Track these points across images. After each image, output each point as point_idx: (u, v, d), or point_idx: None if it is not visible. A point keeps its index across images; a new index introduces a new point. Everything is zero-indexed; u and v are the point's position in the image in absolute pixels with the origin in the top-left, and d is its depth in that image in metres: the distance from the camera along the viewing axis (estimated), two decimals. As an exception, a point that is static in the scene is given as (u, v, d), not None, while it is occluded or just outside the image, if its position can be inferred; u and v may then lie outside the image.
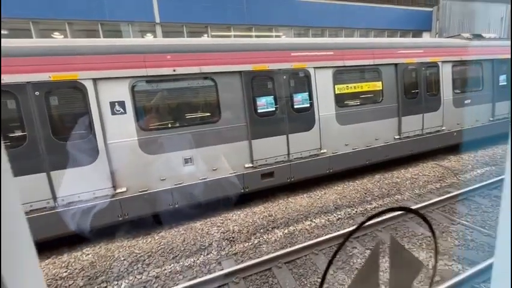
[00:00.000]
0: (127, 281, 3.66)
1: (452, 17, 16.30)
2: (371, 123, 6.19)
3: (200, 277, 3.48)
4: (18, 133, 3.80)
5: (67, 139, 4.02)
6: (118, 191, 4.32)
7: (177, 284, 3.42)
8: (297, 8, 12.89)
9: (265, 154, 5.23)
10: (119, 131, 4.27)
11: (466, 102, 7.28)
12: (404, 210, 0.57)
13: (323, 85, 5.59)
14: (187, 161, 4.69)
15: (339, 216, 4.91)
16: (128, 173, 4.38)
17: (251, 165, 5.17)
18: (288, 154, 5.42)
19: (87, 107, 4.06)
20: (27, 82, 3.78)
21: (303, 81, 5.48)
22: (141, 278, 3.69)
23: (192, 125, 4.73)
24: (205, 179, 4.83)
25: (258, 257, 3.79)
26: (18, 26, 9.41)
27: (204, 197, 4.82)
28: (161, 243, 4.40)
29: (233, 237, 4.43)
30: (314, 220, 4.82)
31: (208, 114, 4.94)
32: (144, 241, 4.52)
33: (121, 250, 4.28)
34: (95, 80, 4.08)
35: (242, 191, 5.16)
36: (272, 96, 5.20)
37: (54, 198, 3.98)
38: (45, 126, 3.88)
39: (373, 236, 4.17)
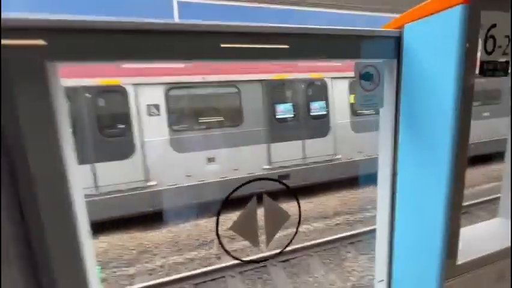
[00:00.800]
0: (135, 268, 4.01)
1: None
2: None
3: (200, 269, 3.76)
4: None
5: (110, 135, 4.63)
6: (149, 184, 4.81)
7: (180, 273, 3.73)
8: (310, 20, 13.12)
9: None
10: (154, 130, 4.83)
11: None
12: (270, 180, 0.83)
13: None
14: (210, 160, 5.12)
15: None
16: (159, 168, 4.88)
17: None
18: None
19: (128, 108, 4.66)
20: (81, 86, 4.37)
21: None
22: (147, 266, 4.03)
23: (219, 127, 5.23)
24: (225, 177, 5.18)
25: (255, 255, 4.03)
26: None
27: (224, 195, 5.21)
28: (168, 237, 4.75)
29: (234, 235, 4.69)
30: (313, 224, 5.01)
31: (232, 117, 5.43)
32: (153, 234, 4.89)
33: (131, 240, 4.66)
34: (135, 85, 4.65)
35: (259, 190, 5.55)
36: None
37: (96, 187, 4.52)
38: (93, 123, 4.52)
39: (368, 242, 4.31)
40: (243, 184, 0.76)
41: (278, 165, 5.53)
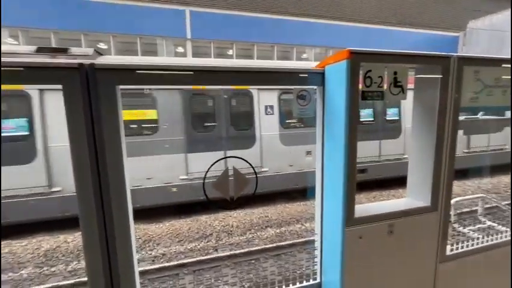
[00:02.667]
0: (139, 254, 4.45)
1: (479, 44, 16.21)
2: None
3: (198, 257, 4.19)
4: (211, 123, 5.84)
5: (240, 129, 5.89)
6: (262, 170, 6.02)
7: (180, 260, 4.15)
8: (316, 30, 13.67)
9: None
10: (269, 126, 6.07)
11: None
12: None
13: None
14: (308, 153, 6.25)
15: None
16: (270, 157, 6.06)
17: None
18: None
19: (252, 108, 5.89)
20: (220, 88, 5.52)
21: None
22: (151, 254, 4.47)
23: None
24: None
25: (249, 248, 4.44)
26: (71, 37, 11.05)
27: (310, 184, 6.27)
28: (170, 230, 5.19)
29: (231, 231, 5.12)
30: (305, 224, 5.39)
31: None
32: (156, 226, 5.34)
33: (137, 231, 5.11)
34: (258, 90, 5.75)
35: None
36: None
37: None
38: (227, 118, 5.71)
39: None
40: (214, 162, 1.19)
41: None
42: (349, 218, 1.17)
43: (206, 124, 5.84)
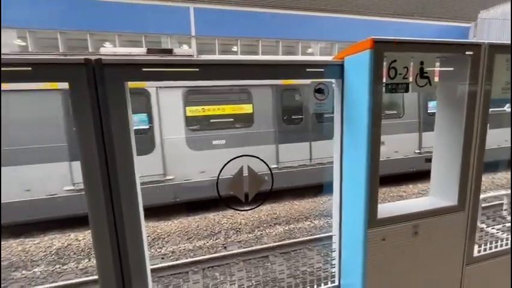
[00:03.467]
0: (149, 252, 4.47)
1: (491, 34, 15.71)
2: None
3: (207, 255, 4.17)
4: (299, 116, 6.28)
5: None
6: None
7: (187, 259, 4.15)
8: (322, 24, 13.44)
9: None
10: None
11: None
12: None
13: None
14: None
15: (338, 220, 5.36)
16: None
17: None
18: None
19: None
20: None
21: None
22: (160, 252, 4.48)
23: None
24: (389, 157, 6.51)
25: (258, 246, 4.40)
26: (78, 37, 11.11)
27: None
28: (179, 227, 5.19)
29: (239, 228, 5.09)
30: (314, 221, 5.32)
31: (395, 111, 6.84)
32: (165, 224, 5.35)
33: (146, 229, 5.13)
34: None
35: (411, 170, 6.92)
36: None
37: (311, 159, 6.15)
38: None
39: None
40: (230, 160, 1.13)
41: None
42: (372, 219, 1.10)
43: (294, 117, 6.32)
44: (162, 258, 4.31)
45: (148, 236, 4.87)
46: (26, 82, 0.92)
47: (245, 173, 1.12)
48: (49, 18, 10.22)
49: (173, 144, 5.38)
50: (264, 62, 1.07)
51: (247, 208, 1.16)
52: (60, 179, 4.88)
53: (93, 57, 0.93)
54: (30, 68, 0.87)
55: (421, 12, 14.53)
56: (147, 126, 5.25)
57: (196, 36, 12.40)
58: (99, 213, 0.97)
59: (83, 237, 4.87)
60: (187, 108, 5.44)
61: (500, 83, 1.19)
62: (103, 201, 0.96)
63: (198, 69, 0.99)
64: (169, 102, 5.30)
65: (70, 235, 4.97)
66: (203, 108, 5.61)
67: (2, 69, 0.84)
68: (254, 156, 1.15)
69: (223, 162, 1.13)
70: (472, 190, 1.24)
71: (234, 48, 13.29)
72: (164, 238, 4.84)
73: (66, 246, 4.63)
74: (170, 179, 5.40)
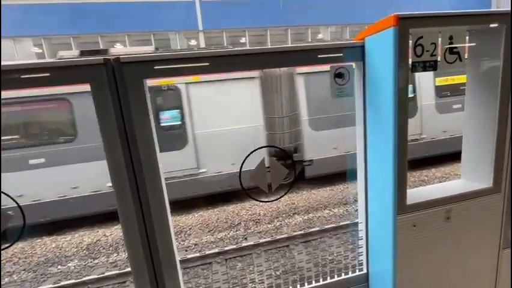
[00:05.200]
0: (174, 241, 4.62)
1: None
2: None
3: (228, 247, 4.26)
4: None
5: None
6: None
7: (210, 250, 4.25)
8: (331, 7, 12.94)
9: None
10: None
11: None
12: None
13: None
14: None
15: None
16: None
17: None
18: None
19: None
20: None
21: None
22: (184, 244, 4.62)
23: None
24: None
25: (279, 236, 4.43)
26: (91, 40, 11.37)
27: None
28: (200, 220, 5.32)
29: (258, 219, 5.14)
30: (333, 210, 5.28)
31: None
32: (186, 217, 5.50)
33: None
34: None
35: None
36: None
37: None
38: None
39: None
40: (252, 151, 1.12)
41: None
42: (401, 205, 1.06)
43: None
44: (186, 251, 4.44)
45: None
46: (47, 87, 0.94)
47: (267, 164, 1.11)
48: (61, 24, 10.49)
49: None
50: (279, 49, 1.04)
51: (272, 199, 1.16)
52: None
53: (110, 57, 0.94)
54: (48, 74, 0.88)
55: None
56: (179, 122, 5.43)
57: (203, 31, 12.34)
58: (128, 208, 1.00)
59: (111, 233, 5.10)
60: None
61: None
62: (130, 197, 0.99)
63: (208, 63, 0.97)
64: (196, 97, 5.39)
65: (98, 231, 5.23)
66: None
67: (21, 76, 0.87)
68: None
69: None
70: (508, 170, 1.17)
71: (243, 40, 13.13)
72: (186, 231, 4.98)
73: (95, 242, 4.87)
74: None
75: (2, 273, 4.19)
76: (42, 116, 4.99)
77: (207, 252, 4.10)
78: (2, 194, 0.92)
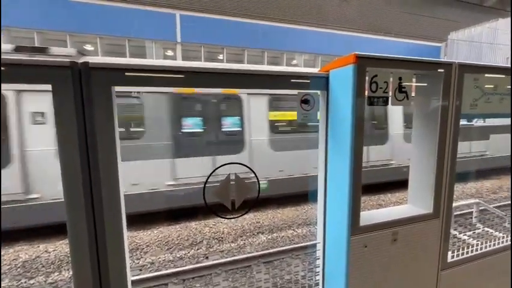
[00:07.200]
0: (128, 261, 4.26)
1: (460, 55, 16.94)
2: None
3: (188, 266, 4.04)
4: None
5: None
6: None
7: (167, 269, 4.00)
8: (305, 37, 13.90)
9: None
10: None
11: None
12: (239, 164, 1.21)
13: None
14: None
15: (320, 228, 5.42)
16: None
17: None
18: None
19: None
20: None
21: None
22: (138, 263, 4.29)
23: None
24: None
25: (241, 255, 4.34)
26: (56, 37, 10.70)
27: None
28: (159, 237, 5.01)
29: (222, 238, 5.00)
30: (297, 230, 5.35)
31: None
32: (144, 233, 5.15)
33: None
34: None
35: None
36: None
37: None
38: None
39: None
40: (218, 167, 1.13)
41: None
42: (355, 226, 1.14)
43: None
44: (140, 270, 4.12)
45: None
46: (6, 83, 0.88)
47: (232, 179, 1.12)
48: (25, 17, 9.78)
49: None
50: (252, 71, 1.10)
51: (234, 216, 1.16)
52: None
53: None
54: (4, 68, 0.83)
55: (397, 30, 15.45)
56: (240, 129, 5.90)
57: (181, 43, 12.35)
58: (79, 221, 0.93)
59: (54, 249, 4.56)
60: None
61: (469, 99, 1.30)
62: (82, 209, 0.93)
63: (183, 76, 0.99)
64: (255, 108, 5.88)
65: (38, 246, 4.64)
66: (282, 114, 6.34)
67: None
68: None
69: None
70: (445, 198, 1.32)
71: (220, 57, 13.36)
72: (143, 249, 4.65)
73: (34, 259, 4.31)
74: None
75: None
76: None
77: (163, 272, 3.85)
78: None
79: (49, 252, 4.47)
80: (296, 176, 6.29)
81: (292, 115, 6.35)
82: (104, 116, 0.91)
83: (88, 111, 0.89)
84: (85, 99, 0.89)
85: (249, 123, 5.86)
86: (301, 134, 6.50)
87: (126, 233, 1.06)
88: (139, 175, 5.14)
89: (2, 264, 4.16)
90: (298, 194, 6.35)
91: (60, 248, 4.52)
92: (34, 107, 4.49)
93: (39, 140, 4.51)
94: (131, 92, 5.17)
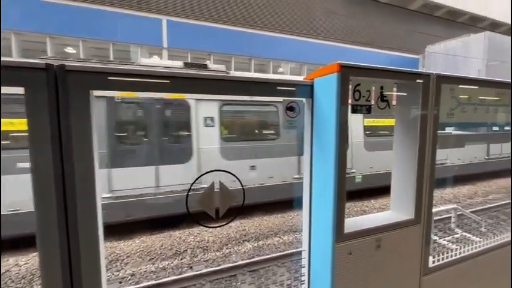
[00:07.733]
0: (105, 276, 4.05)
1: (437, 66, 17.87)
2: None
3: (170, 277, 3.90)
4: None
5: None
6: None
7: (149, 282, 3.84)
8: (291, 46, 14.20)
9: None
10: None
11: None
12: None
13: None
14: None
15: (306, 235, 5.43)
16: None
17: None
18: None
19: None
20: None
21: None
22: (118, 275, 4.09)
23: None
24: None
25: (226, 264, 4.24)
26: (36, 39, 10.32)
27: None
28: (141, 247, 4.83)
29: (207, 246, 4.89)
30: (283, 237, 5.32)
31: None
32: (125, 244, 4.94)
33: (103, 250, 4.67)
34: None
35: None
36: None
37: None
38: None
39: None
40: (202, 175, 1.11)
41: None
42: (339, 234, 1.14)
43: None
44: (120, 283, 3.93)
45: (105, 258, 4.44)
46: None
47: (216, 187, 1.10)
48: (2, 17, 9.39)
49: None
50: (239, 78, 1.09)
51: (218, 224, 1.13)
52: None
53: (58, 64, 0.87)
54: None
55: (378, 42, 16.15)
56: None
57: (168, 48, 12.24)
58: (50, 232, 0.87)
59: (26, 262, 4.27)
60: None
61: (446, 109, 1.36)
62: (55, 218, 0.87)
63: (168, 81, 0.97)
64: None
65: (8, 260, 4.33)
66: None
67: None
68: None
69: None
70: (426, 204, 1.36)
71: (207, 62, 13.35)
72: (123, 260, 4.45)
73: (3, 274, 4.01)
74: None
75: None
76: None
77: (145, 284, 3.69)
78: None
79: (20, 266, 4.18)
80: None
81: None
82: (81, 122, 0.87)
83: (63, 116, 0.85)
84: (61, 104, 0.85)
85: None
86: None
87: (103, 244, 1.00)
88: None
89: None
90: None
91: (33, 260, 4.23)
92: (206, 112, 5.59)
93: (210, 139, 5.64)
94: None
